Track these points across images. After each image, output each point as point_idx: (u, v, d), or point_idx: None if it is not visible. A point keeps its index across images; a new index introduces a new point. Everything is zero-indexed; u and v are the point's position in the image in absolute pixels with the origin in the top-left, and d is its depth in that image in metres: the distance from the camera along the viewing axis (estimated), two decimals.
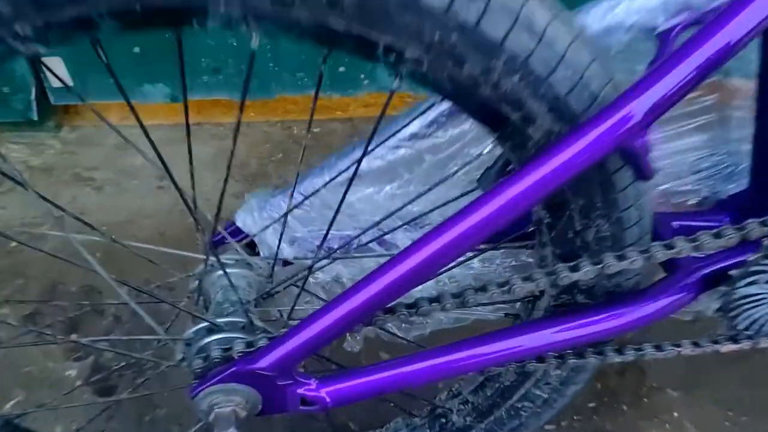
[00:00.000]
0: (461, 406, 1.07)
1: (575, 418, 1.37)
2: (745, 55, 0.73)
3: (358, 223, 0.89)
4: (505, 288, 0.76)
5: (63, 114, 1.90)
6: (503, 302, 0.95)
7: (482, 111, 0.66)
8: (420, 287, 0.83)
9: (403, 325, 1.05)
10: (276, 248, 0.87)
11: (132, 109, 0.67)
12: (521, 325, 0.83)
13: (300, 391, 0.78)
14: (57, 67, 1.65)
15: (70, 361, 1.39)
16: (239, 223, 0.92)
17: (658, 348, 0.89)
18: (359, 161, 0.74)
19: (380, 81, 1.75)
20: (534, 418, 1.03)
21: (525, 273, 0.77)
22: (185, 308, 0.79)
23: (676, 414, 1.37)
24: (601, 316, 0.82)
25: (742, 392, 1.38)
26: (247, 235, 0.92)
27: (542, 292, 0.89)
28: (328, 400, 0.78)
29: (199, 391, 0.76)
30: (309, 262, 0.92)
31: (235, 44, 1.67)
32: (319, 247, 0.79)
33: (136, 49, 1.62)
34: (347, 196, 0.86)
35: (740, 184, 0.90)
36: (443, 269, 0.76)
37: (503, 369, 0.89)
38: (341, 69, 1.73)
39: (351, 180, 0.75)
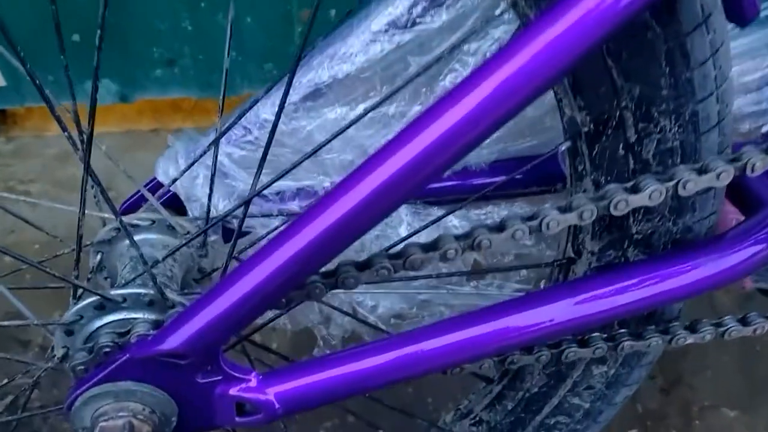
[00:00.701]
0: (473, 429, 0.79)
1: None
2: None
3: (323, 166, 0.65)
4: (533, 222, 0.51)
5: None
6: (524, 267, 0.70)
7: None
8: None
9: (392, 320, 0.79)
10: (207, 204, 0.62)
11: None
12: (555, 287, 0.57)
13: (234, 391, 0.52)
14: None
15: None
16: (159, 175, 0.67)
17: (744, 322, 0.64)
18: (295, 64, 0.51)
19: None
20: None
21: (560, 203, 0.53)
22: (64, 277, 0.54)
23: None
24: (665, 271, 0.57)
25: None
26: (174, 193, 0.67)
27: (579, 252, 0.64)
28: (276, 405, 0.52)
29: (76, 397, 0.50)
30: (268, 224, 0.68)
31: (190, 28, 1.45)
32: (252, 189, 0.54)
33: (75, 37, 1.40)
34: (304, 125, 0.62)
35: None
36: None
37: (531, 359, 0.62)
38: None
39: (285, 94, 0.51)
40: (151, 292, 0.54)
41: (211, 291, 0.47)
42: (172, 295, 0.54)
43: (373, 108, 0.54)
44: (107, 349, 0.51)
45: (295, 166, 0.53)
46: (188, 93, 1.55)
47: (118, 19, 1.40)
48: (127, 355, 0.48)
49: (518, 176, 0.70)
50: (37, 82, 0.51)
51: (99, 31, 0.49)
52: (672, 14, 0.47)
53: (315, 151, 0.52)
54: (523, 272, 0.77)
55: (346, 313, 0.73)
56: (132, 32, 1.43)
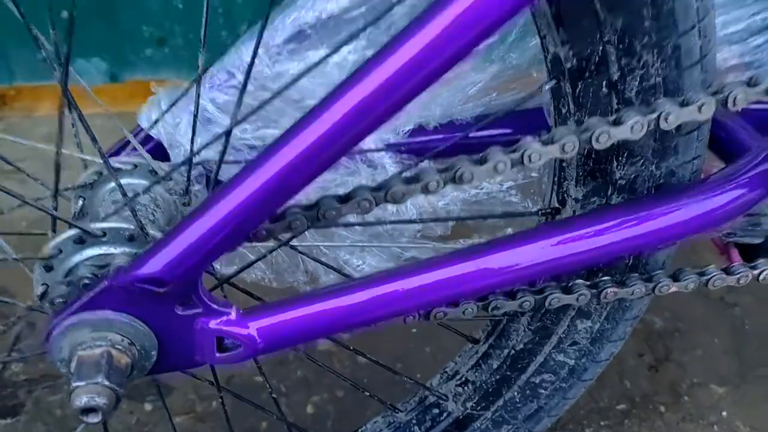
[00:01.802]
0: (459, 389, 0.79)
1: (602, 423, 1.10)
2: None
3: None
4: (514, 155, 0.51)
5: None
6: (508, 215, 0.70)
7: None
8: None
9: None
10: (190, 147, 0.62)
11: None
12: (540, 227, 0.57)
13: (214, 324, 0.51)
14: None
15: None
16: (143, 122, 0.66)
17: (727, 271, 0.64)
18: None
19: None
20: (557, 396, 0.76)
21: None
22: (40, 208, 0.53)
23: (724, 413, 1.12)
24: (649, 212, 0.57)
25: None
26: (158, 143, 0.67)
27: (563, 201, 0.64)
28: (258, 339, 0.52)
29: (54, 327, 0.49)
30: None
31: (180, 6, 1.45)
32: (228, 129, 0.53)
33: (64, 14, 1.39)
34: (289, 69, 0.62)
35: None
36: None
37: (514, 305, 0.62)
38: None
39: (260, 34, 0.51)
40: (132, 226, 0.54)
41: (189, 217, 0.47)
42: (152, 231, 0.54)
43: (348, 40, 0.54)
44: (86, 281, 0.50)
45: (263, 105, 0.53)
46: (179, 74, 1.55)
47: None
48: (105, 283, 0.48)
49: (505, 130, 0.70)
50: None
51: None
52: None
53: (281, 91, 0.52)
54: (510, 230, 0.77)
55: (332, 268, 0.72)
56: (122, 9, 1.43)
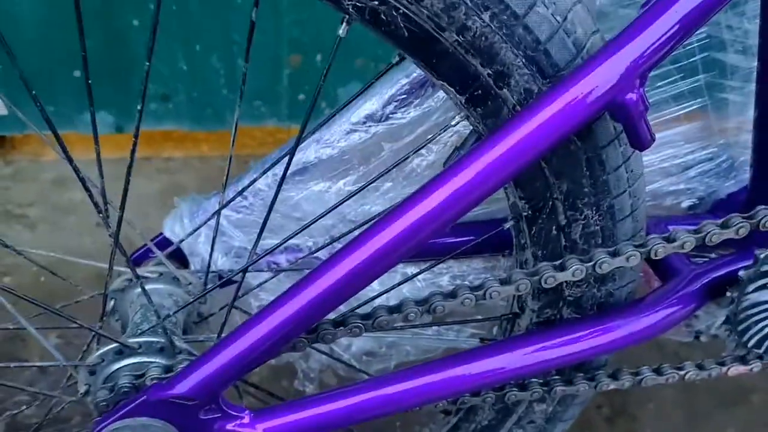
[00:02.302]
0: None
1: None
2: None
3: (308, 229, 0.76)
4: (479, 292, 0.63)
5: None
6: (477, 320, 0.82)
7: (447, 67, 0.54)
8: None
9: (364, 357, 0.91)
10: (208, 258, 0.73)
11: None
12: (500, 343, 0.69)
13: (230, 426, 0.63)
14: None
15: None
16: (167, 233, 0.78)
17: (658, 372, 0.76)
18: (294, 148, 0.62)
19: None
20: None
21: (501, 275, 0.65)
22: (90, 327, 0.64)
23: None
24: (591, 330, 0.69)
25: None
26: (178, 248, 0.78)
27: (522, 309, 0.76)
28: None
29: (101, 429, 0.60)
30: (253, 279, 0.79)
31: (185, 68, 1.56)
32: (252, 251, 0.65)
33: (77, 73, 1.50)
34: (293, 195, 0.73)
35: (740, 180, 0.80)
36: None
37: (479, 400, 0.74)
38: (301, 96, 1.64)
39: (285, 172, 0.62)
40: (162, 340, 0.65)
41: (218, 345, 0.58)
42: (179, 343, 0.65)
43: (360, 189, 0.66)
44: (125, 389, 0.61)
45: (297, 232, 0.65)
46: (180, 126, 1.65)
47: (117, 57, 1.50)
48: (144, 397, 0.59)
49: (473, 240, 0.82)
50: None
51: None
52: (590, 132, 0.60)
53: (316, 220, 0.64)
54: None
55: (323, 353, 0.84)
56: (130, 70, 1.53)
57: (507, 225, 0.69)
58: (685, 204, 0.82)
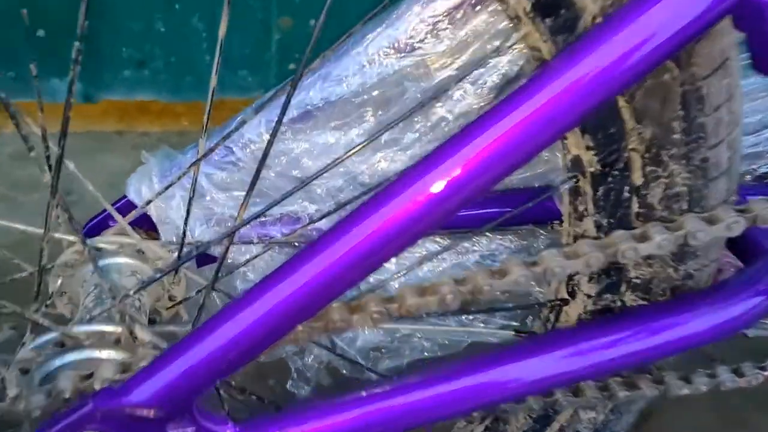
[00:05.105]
0: None
1: None
2: None
3: (308, 192, 0.61)
4: (536, 268, 0.48)
5: None
6: (517, 308, 0.67)
7: None
8: None
9: (372, 353, 0.76)
10: (182, 227, 0.58)
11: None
12: (546, 337, 0.55)
13: None
14: None
15: None
16: (131, 194, 0.62)
17: (737, 372, 0.62)
18: (294, 86, 0.47)
19: None
20: None
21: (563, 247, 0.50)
22: (16, 309, 0.48)
23: None
24: (663, 321, 0.55)
25: None
26: (144, 214, 0.62)
27: (573, 294, 0.61)
28: None
29: None
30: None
31: (162, 29, 1.39)
32: (238, 219, 0.49)
33: (41, 32, 1.32)
34: (292, 148, 0.58)
35: None
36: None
37: (521, 407, 0.59)
38: (291, 66, 1.48)
39: (280, 117, 0.47)
40: (119, 329, 0.49)
41: (189, 338, 0.43)
42: (141, 333, 0.50)
43: (372, 140, 0.51)
44: (66, 396, 0.46)
45: (292, 192, 0.49)
46: (158, 96, 1.49)
47: (87, 16, 1.33)
48: (91, 405, 0.44)
49: (504, 209, 0.67)
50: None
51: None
52: (692, 55, 0.45)
53: (311, 180, 0.48)
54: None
55: (325, 347, 0.69)
56: (101, 30, 1.36)
57: (565, 186, 0.54)
58: (764, 169, 0.68)
